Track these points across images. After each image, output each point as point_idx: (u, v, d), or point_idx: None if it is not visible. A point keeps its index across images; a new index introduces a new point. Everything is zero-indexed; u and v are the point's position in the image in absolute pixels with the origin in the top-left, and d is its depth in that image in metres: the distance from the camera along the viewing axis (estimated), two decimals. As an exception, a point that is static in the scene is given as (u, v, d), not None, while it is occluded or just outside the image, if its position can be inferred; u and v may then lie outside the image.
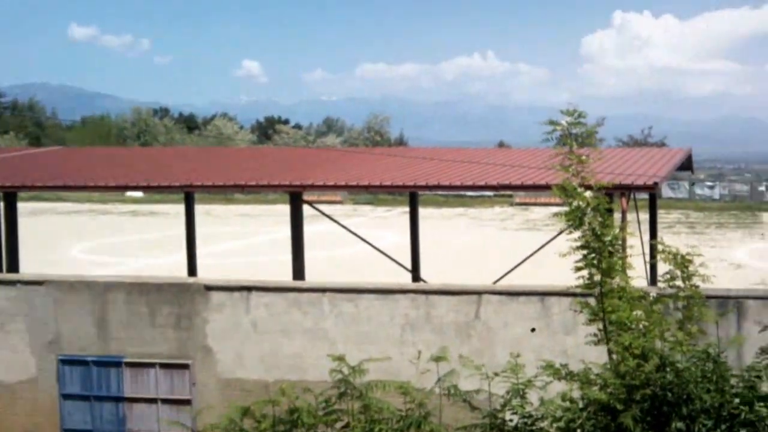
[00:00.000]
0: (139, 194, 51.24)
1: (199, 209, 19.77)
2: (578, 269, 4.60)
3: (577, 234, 4.64)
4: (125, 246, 33.26)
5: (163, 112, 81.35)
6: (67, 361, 11.68)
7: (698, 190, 53.10)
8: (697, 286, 4.63)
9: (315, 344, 10.68)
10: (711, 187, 53.94)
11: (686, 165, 16.14)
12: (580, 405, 4.37)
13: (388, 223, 40.21)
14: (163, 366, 11.23)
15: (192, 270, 14.75)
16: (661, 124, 76.32)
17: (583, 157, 4.85)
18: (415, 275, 14.94)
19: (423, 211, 16.04)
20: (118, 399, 11.48)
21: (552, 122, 4.91)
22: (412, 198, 15.26)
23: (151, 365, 11.29)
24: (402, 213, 45.98)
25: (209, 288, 11.14)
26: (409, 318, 10.51)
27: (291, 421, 4.96)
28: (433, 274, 15.82)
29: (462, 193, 44.31)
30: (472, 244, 32.58)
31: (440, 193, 44.63)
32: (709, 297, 5.22)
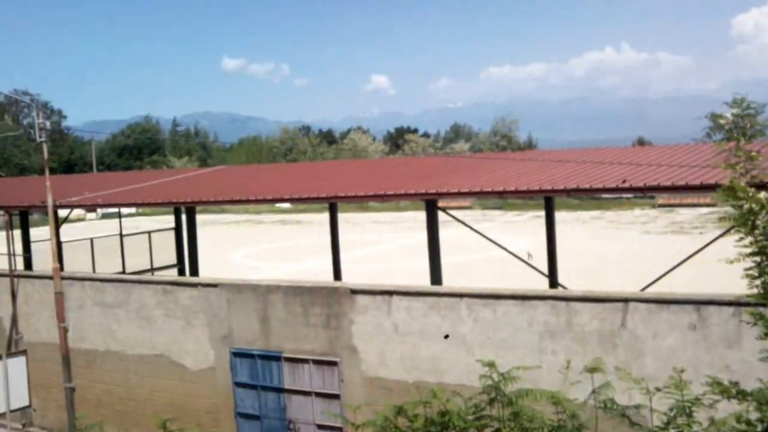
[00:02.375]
0: (287, 205, 55.20)
1: (338, 217, 20.66)
2: (751, 277, 4.05)
3: (749, 239, 4.05)
4: (276, 251, 36.14)
5: (305, 129, 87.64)
6: (238, 354, 12.72)
7: None
8: None
9: (452, 348, 10.69)
10: None
11: None
12: (759, 428, 3.92)
13: (519, 228, 39.60)
14: (316, 362, 11.93)
15: (337, 274, 15.30)
16: None
17: (753, 153, 4.24)
18: (553, 281, 14.30)
19: (556, 215, 15.31)
20: (279, 390, 12.34)
21: (715, 116, 4.29)
22: (548, 202, 14.52)
23: (305, 361, 12.01)
24: (533, 217, 44.83)
25: (354, 291, 11.55)
26: (549, 325, 10.13)
27: (442, 423, 5.06)
28: (571, 280, 15.11)
29: (597, 195, 42.59)
30: (613, 249, 31.31)
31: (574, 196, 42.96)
32: None
